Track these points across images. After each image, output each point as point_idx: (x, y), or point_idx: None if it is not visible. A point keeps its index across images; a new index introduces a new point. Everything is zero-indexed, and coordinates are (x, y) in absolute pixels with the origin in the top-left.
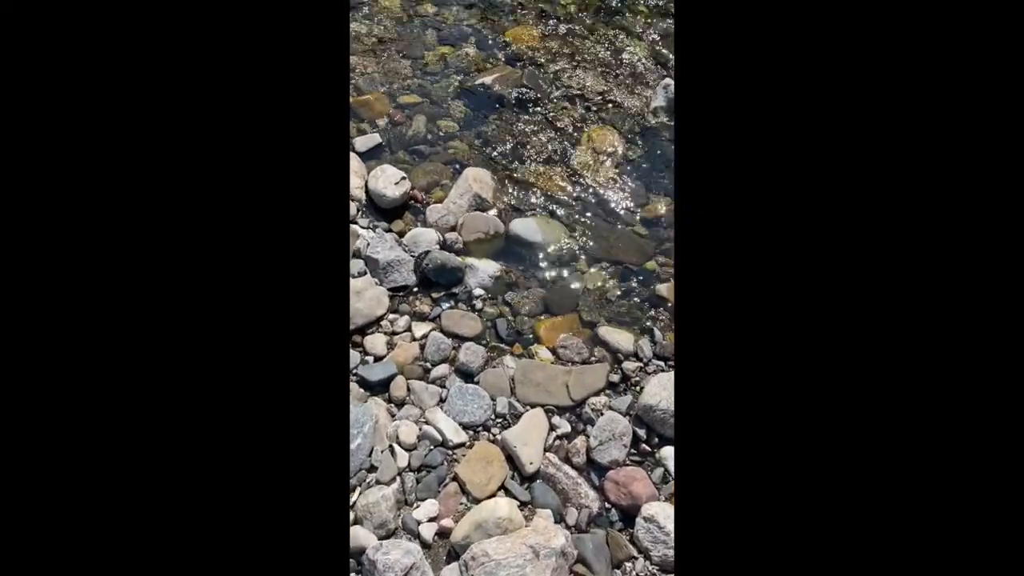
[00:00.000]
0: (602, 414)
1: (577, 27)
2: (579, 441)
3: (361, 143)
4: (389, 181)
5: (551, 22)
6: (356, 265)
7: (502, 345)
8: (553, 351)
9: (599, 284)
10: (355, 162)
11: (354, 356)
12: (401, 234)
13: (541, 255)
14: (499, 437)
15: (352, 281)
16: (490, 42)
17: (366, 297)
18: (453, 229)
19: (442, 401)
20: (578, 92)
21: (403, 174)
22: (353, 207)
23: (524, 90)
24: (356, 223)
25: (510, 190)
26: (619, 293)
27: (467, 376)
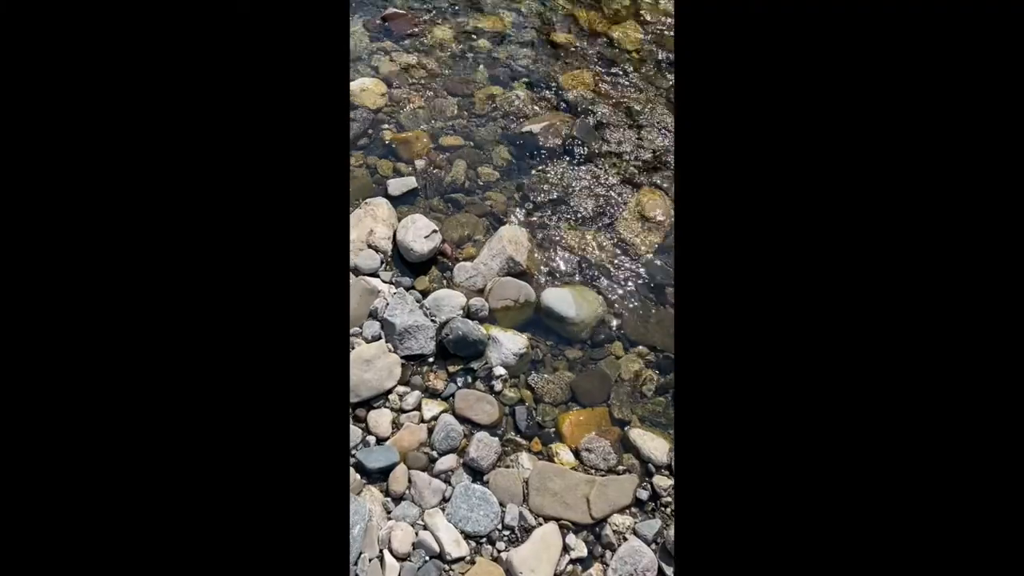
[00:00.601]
0: (625, 539)
1: (638, 78)
2: (595, 570)
3: (395, 186)
4: (420, 234)
5: (612, 70)
6: (372, 327)
7: (519, 439)
8: (576, 453)
9: (634, 373)
10: (385, 207)
11: (355, 433)
12: (425, 293)
13: (573, 331)
14: (504, 557)
15: (365, 346)
16: (543, 86)
17: (377, 367)
18: (480, 293)
19: (445, 501)
20: (630, 150)
21: (435, 227)
22: (378, 258)
23: (573, 141)
24: (379, 276)
25: (547, 252)
26: (656, 387)
27: (476, 474)
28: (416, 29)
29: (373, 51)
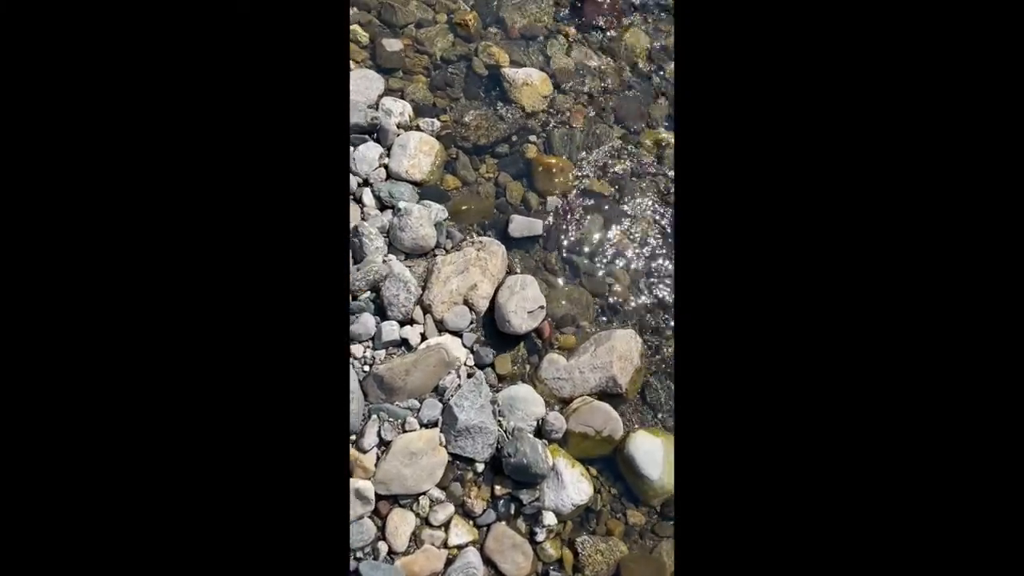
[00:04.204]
0: None
1: None
2: None
3: (519, 226)
4: (524, 306)
5: None
6: (432, 408)
7: None
8: None
9: None
10: (500, 257)
11: (370, 530)
12: (502, 378)
13: (647, 492)
14: None
15: (415, 436)
16: None
17: (420, 464)
18: (564, 402)
19: None
20: None
21: (542, 302)
22: (469, 318)
23: None
24: (462, 336)
25: (660, 379)
26: None
27: None
28: (611, 22)
29: (553, 31)
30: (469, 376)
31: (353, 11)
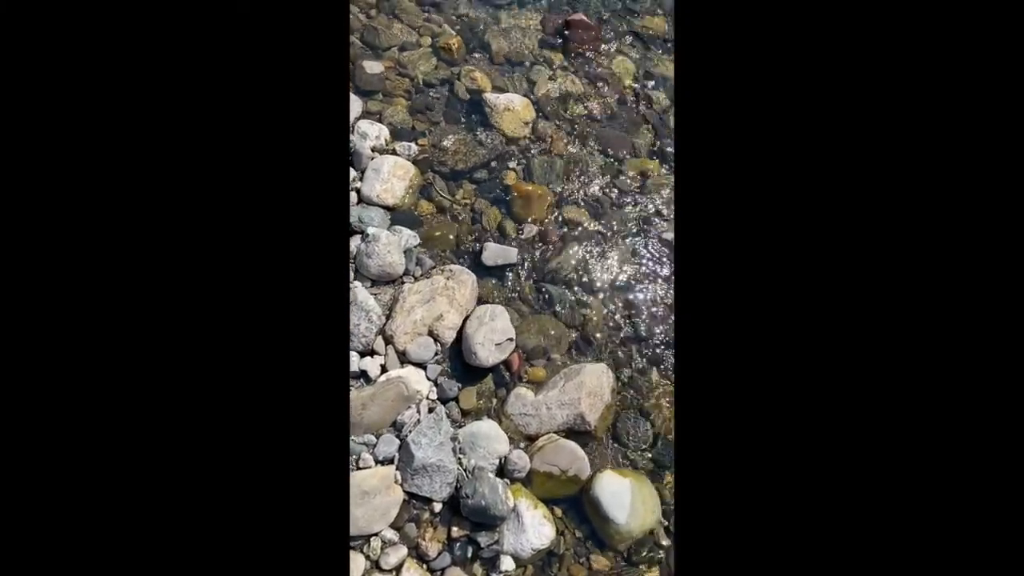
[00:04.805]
0: None
1: None
2: None
3: (492, 254)
4: (492, 338)
5: None
6: (389, 444)
7: None
8: None
9: None
10: (469, 286)
11: None
12: (465, 412)
13: (614, 536)
14: None
15: (368, 473)
16: None
17: (373, 504)
18: (530, 439)
19: None
20: None
21: (511, 334)
22: (433, 349)
23: None
24: (425, 367)
25: (632, 417)
26: None
27: None
28: (598, 49)
29: (539, 58)
30: (430, 411)
31: None
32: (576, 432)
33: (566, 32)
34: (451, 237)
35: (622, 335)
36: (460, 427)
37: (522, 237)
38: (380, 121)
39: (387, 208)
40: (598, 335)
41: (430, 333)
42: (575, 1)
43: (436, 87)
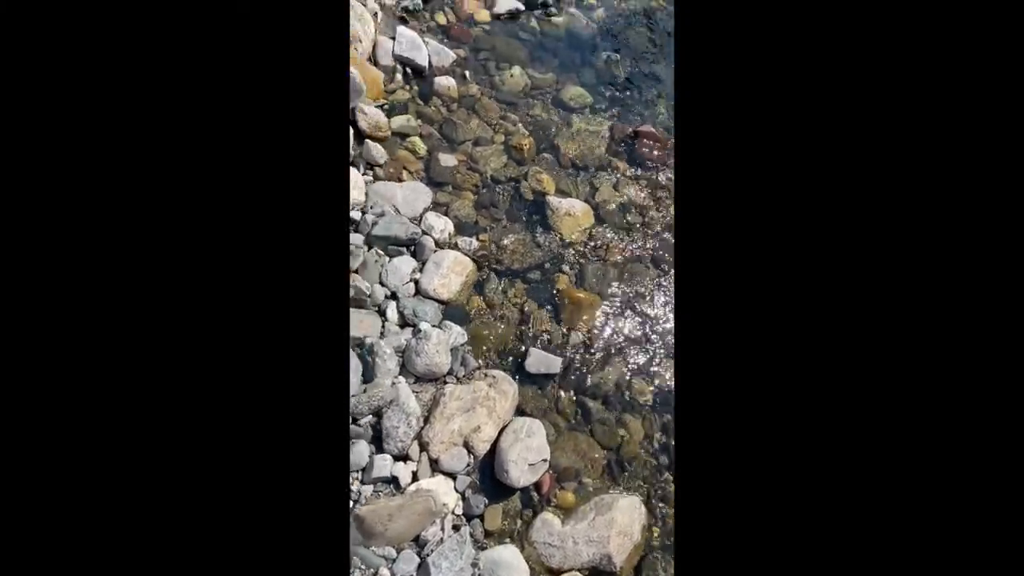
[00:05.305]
0: None
1: None
2: None
3: (536, 361)
4: (525, 457)
5: None
6: (408, 562)
7: None
8: None
9: None
10: (511, 395)
11: None
12: (488, 534)
13: None
14: None
15: None
16: None
17: None
18: (552, 572)
19: None
20: None
21: (546, 454)
22: (465, 461)
23: None
24: (455, 477)
25: (659, 562)
26: None
27: None
28: (663, 162)
29: (604, 165)
30: (455, 528)
31: (416, 123)
32: (600, 572)
33: (634, 142)
34: (498, 337)
35: (659, 462)
36: (483, 549)
37: (567, 344)
38: (447, 214)
39: (441, 302)
40: (634, 461)
41: (465, 444)
42: (646, 112)
43: (503, 184)
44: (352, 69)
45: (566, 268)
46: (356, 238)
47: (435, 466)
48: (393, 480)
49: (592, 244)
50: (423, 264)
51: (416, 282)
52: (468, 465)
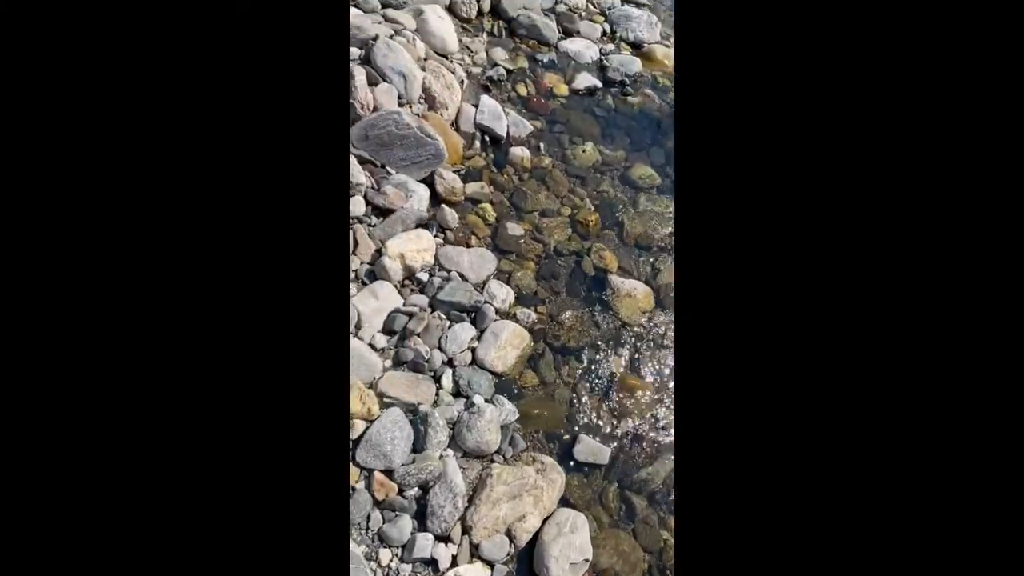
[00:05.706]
0: None
1: None
2: None
3: (585, 450)
4: (567, 554)
5: None
6: None
7: None
8: None
9: None
10: (558, 485)
11: None
12: None
13: None
14: None
15: None
16: None
17: None
18: None
19: None
20: None
21: (589, 553)
22: (506, 550)
23: None
24: (492, 567)
25: None
26: None
27: None
28: None
29: (667, 247)
30: None
31: (488, 189)
32: None
33: None
34: (548, 418)
35: None
36: None
37: (618, 434)
38: (508, 282)
39: (495, 374)
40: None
41: (508, 532)
42: None
43: (565, 256)
44: (437, 135)
45: (623, 351)
46: (421, 299)
47: (475, 551)
48: (432, 562)
49: (651, 329)
50: (482, 332)
51: (473, 351)
52: (508, 554)
